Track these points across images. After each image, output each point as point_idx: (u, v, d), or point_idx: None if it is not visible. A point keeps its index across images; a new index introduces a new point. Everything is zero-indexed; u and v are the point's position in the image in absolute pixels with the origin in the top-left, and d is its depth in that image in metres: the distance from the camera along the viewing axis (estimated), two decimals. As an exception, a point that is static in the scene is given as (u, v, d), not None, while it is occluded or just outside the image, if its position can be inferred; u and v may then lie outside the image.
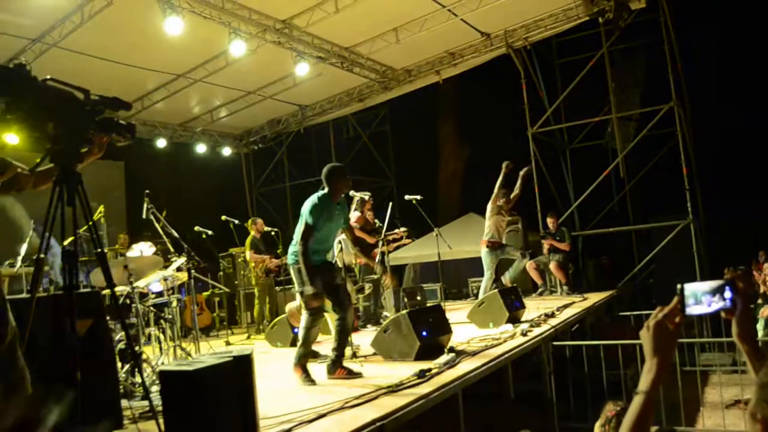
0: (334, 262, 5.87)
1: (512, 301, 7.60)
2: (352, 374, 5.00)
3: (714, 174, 15.43)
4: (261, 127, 15.84)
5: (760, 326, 8.22)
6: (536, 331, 6.83)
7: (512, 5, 10.80)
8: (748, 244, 11.80)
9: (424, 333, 5.69)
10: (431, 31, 11.15)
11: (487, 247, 9.44)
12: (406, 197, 8.38)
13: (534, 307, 8.75)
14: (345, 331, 5.09)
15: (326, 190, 5.15)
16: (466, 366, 5.11)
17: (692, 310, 1.75)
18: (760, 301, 8.19)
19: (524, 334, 6.58)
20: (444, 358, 5.40)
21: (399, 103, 15.10)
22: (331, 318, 5.47)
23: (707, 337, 9.76)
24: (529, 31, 11.90)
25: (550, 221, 11.32)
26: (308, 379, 4.92)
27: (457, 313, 8.93)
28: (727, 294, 1.74)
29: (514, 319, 7.41)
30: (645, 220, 13.74)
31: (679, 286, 1.77)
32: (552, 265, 10.98)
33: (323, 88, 13.59)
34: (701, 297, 1.76)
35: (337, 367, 5.03)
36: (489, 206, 9.53)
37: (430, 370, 4.84)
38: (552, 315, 7.92)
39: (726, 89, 20.84)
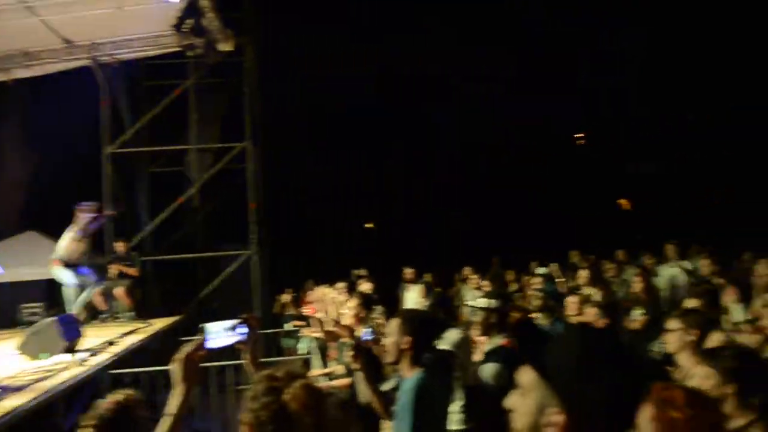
0: None
1: (69, 329, 7.19)
2: None
3: (279, 210, 17.21)
4: None
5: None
6: (95, 359, 6.64)
7: (103, 19, 10.34)
8: (302, 273, 13.49)
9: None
10: (5, 25, 9.96)
11: (60, 265, 8.79)
12: None
13: (95, 334, 8.41)
14: None
15: None
16: (10, 402, 4.71)
17: (212, 344, 2.25)
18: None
19: (81, 364, 6.33)
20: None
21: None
22: None
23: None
24: (118, 48, 11.59)
25: (120, 245, 11.04)
26: None
27: (6, 343, 8.00)
28: (241, 330, 2.34)
29: (71, 349, 7.02)
30: (215, 249, 14.43)
31: (201, 326, 2.26)
32: (118, 291, 10.63)
33: None
34: (221, 333, 2.30)
35: None
36: (69, 232, 8.95)
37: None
38: (113, 343, 7.76)
39: (301, 136, 23.70)
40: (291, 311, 12.06)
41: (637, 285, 6.90)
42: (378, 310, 5.63)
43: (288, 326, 11.35)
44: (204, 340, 2.27)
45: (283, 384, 1.76)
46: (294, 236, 21.36)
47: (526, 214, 23.39)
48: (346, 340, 3.66)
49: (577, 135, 29.27)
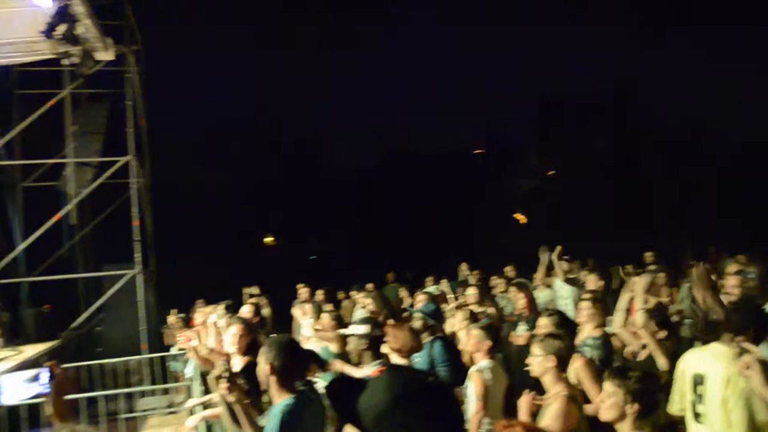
0: None
1: None
2: None
3: (169, 226, 16.51)
4: None
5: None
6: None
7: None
8: (193, 292, 12.93)
9: None
10: None
11: None
12: None
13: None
14: None
15: None
16: None
17: (8, 398, 1.93)
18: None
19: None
20: None
21: None
22: None
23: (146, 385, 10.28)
24: (-16, 53, 10.75)
25: None
26: None
27: None
28: (43, 379, 2.00)
29: None
30: (97, 268, 13.65)
31: None
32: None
33: None
34: (19, 385, 1.97)
35: None
36: None
37: None
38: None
39: (190, 147, 23.01)
40: (178, 333, 11.52)
41: (519, 301, 7.05)
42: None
43: (174, 349, 10.83)
44: None
45: None
46: (187, 253, 20.63)
47: (430, 228, 23.71)
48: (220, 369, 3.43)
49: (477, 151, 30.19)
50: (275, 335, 3.55)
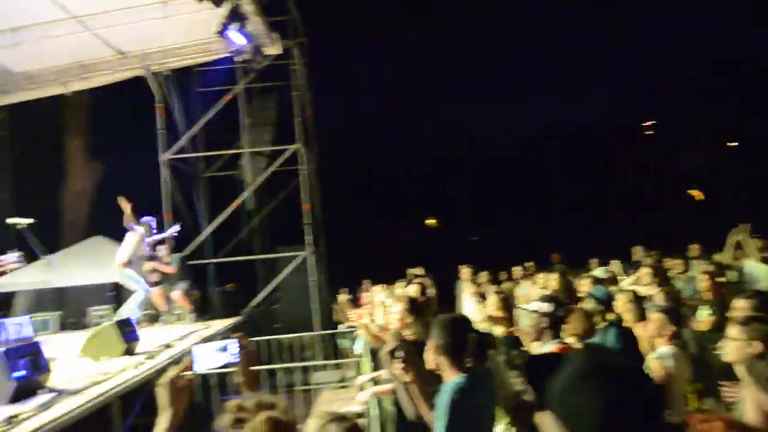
0: None
1: (127, 333, 7.36)
2: None
3: (336, 209, 17.25)
4: None
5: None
6: (151, 362, 6.75)
7: (152, 29, 10.63)
8: (361, 272, 13.44)
9: (20, 373, 5.17)
10: (60, 39, 10.32)
11: (123, 268, 9.04)
12: (10, 221, 7.41)
13: (154, 336, 8.60)
14: None
15: None
16: (64, 406, 4.81)
17: (201, 366, 2.12)
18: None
19: (137, 367, 6.45)
20: (40, 399, 5.00)
21: (24, 110, 13.48)
22: None
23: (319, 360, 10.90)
24: (168, 56, 11.87)
25: (162, 247, 11.14)
26: None
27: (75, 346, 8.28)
28: (232, 350, 2.17)
29: (129, 351, 7.19)
30: (272, 250, 14.61)
31: (190, 348, 2.12)
32: (175, 293, 10.84)
33: None
34: (209, 355, 2.15)
35: None
36: (131, 237, 9.23)
37: (17, 415, 4.43)
38: (169, 345, 7.90)
39: (355, 135, 23.78)
40: (348, 311, 12.04)
41: (702, 283, 6.51)
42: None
43: (342, 327, 11.33)
44: (191, 362, 2.16)
45: (249, 415, 1.67)
46: (354, 235, 21.46)
47: (590, 208, 22.73)
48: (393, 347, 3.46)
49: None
50: (443, 315, 3.51)
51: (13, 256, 8.38)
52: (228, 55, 11.82)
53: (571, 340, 4.38)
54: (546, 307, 4.17)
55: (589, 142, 24.85)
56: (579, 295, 6.73)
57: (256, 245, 15.18)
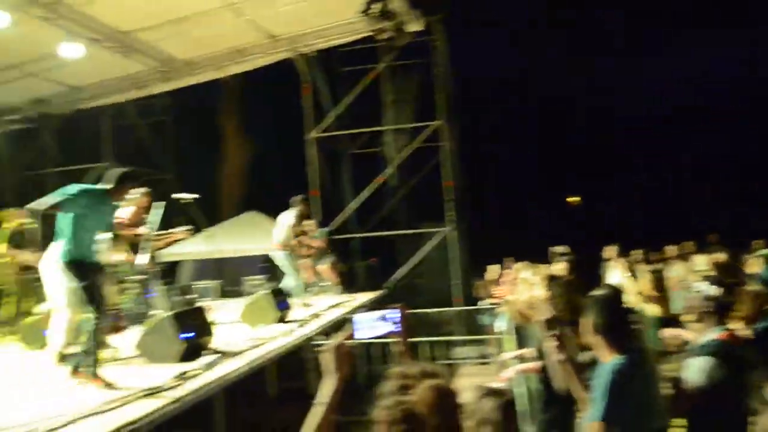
0: (96, 260, 5.52)
1: (280, 302, 7.79)
2: (106, 385, 4.62)
3: (476, 185, 17.07)
4: (18, 106, 14.04)
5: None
6: (302, 330, 7.11)
7: (299, 12, 11.03)
8: (501, 250, 13.25)
9: (188, 334, 5.65)
10: (218, 26, 11.00)
11: (280, 249, 9.34)
12: (175, 195, 7.95)
13: (305, 305, 9.01)
14: (99, 332, 4.85)
15: (108, 187, 4.96)
16: (226, 367, 5.20)
17: (362, 334, 2.16)
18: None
19: (289, 334, 6.82)
20: (206, 359, 5.44)
21: (184, 95, 14.60)
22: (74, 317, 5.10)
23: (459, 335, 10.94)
24: (314, 38, 12.26)
25: (309, 222, 11.42)
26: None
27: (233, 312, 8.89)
28: (393, 320, 2.20)
29: (282, 319, 7.62)
30: (414, 226, 14.76)
31: (350, 317, 2.19)
32: (322, 267, 11.20)
33: (97, 70, 12.61)
34: (370, 324, 2.19)
35: (89, 372, 4.74)
36: (285, 219, 9.49)
37: (186, 372, 4.85)
38: (318, 315, 8.27)
39: (498, 110, 23.36)
40: (489, 288, 11.93)
41: None
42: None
43: (483, 303, 11.23)
44: (353, 330, 2.22)
45: (413, 383, 1.68)
46: (497, 212, 21.19)
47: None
48: (540, 325, 3.38)
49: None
50: (599, 292, 3.34)
51: (182, 228, 9.05)
52: (370, 34, 12.03)
53: (737, 325, 4.04)
54: (714, 289, 3.85)
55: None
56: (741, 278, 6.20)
57: (398, 221, 15.41)
